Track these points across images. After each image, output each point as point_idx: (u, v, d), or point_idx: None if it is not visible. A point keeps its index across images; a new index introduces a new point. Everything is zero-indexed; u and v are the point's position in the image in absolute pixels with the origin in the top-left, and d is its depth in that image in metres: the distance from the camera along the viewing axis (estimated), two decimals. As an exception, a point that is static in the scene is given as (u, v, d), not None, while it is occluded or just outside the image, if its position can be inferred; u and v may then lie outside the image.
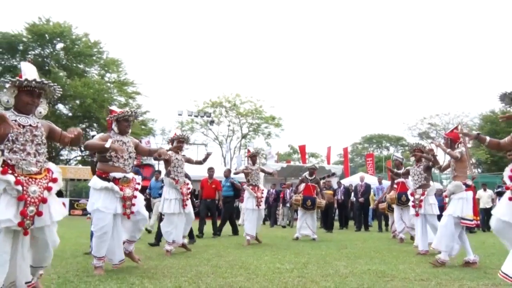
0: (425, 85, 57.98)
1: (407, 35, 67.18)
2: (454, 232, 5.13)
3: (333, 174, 19.70)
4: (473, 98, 58.43)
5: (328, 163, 25.94)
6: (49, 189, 3.16)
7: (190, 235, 7.66)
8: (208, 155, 6.93)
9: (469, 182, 5.22)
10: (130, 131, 4.69)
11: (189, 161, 6.64)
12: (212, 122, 35.21)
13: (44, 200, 3.06)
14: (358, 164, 49.60)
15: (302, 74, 67.02)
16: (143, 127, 28.81)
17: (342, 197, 13.90)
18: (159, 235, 7.18)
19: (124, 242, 4.69)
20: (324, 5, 64.98)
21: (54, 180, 3.26)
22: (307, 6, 65.73)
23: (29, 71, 3.31)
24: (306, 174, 9.71)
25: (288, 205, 14.44)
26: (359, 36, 66.88)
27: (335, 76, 69.84)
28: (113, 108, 4.80)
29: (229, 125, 37.70)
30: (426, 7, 65.81)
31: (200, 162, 6.81)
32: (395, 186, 8.84)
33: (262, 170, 8.56)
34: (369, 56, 68.40)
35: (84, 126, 27.68)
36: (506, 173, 3.51)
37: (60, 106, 26.70)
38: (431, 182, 6.79)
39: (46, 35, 25.39)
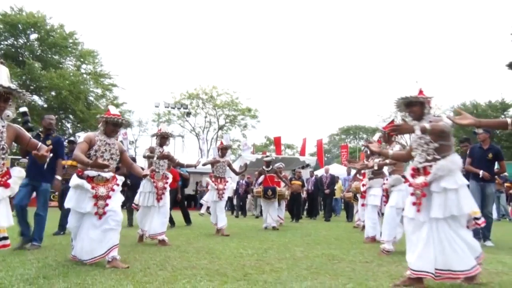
0: (400, 77, 59.10)
1: (382, 25, 68.29)
2: (398, 222, 5.64)
3: (307, 165, 20.26)
4: (444, 90, 60.01)
5: (303, 154, 26.53)
6: None
7: (170, 220, 8.13)
8: (191, 165, 7.34)
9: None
10: (116, 136, 4.70)
11: (171, 159, 6.89)
12: (188, 114, 35.54)
13: None
14: (335, 155, 50.56)
15: (279, 66, 67.57)
16: (161, 125, 28.83)
17: (312, 188, 14.41)
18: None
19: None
20: (302, -3, 65.34)
21: (6, 185, 3.30)
22: (284, -2, 66.00)
23: None
24: (264, 166, 10.11)
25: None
26: (336, 26, 67.69)
27: (313, 67, 70.63)
28: (111, 108, 4.81)
29: (206, 117, 38.14)
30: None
31: (180, 165, 7.19)
32: (360, 176, 9.43)
33: (229, 165, 8.55)
34: (347, 49, 69.33)
35: (59, 117, 27.58)
36: (407, 171, 3.93)
37: (35, 98, 26.50)
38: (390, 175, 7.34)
39: (19, 25, 25.19)
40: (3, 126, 3.36)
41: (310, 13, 68.57)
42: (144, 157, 6.79)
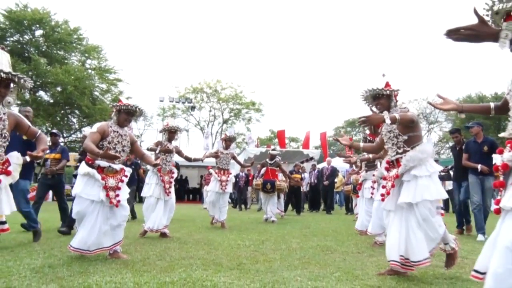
0: (405, 70, 58.92)
1: (387, 16, 67.90)
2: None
3: (311, 158, 20.41)
4: (451, 83, 59.72)
5: (307, 147, 26.66)
6: None
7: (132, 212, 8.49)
8: (198, 159, 7.30)
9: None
10: (129, 125, 4.68)
11: (179, 153, 6.93)
12: (193, 108, 35.77)
13: None
14: (341, 148, 50.44)
15: (283, 59, 67.47)
16: (166, 118, 29.10)
17: (315, 181, 14.53)
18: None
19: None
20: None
21: (7, 173, 3.32)
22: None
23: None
24: (267, 158, 10.21)
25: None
26: (341, 18, 67.43)
27: (318, 60, 70.39)
28: (122, 98, 4.78)
29: (210, 111, 38.37)
30: (406, -7, 66.50)
31: (188, 159, 7.14)
32: (356, 168, 9.56)
33: (234, 158, 8.62)
34: (351, 41, 69.10)
35: (65, 112, 27.92)
36: (382, 164, 4.04)
37: (42, 93, 26.82)
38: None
39: (25, 22, 25.37)
40: (4, 114, 3.36)
41: (314, 6, 68.33)
42: (148, 149, 6.76)
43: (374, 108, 4.00)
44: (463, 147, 7.39)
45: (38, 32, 26.86)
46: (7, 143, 3.38)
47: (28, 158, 3.31)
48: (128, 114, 4.56)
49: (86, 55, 28.61)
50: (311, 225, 8.91)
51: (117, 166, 4.43)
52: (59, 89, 25.77)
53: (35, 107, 24.93)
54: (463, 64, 64.97)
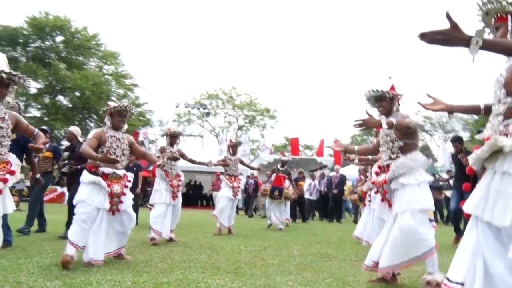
0: (421, 78, 58.47)
1: (401, 25, 67.52)
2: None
3: (325, 166, 20.47)
4: (467, 90, 58.96)
5: (321, 155, 26.67)
6: (4, 180, 3.30)
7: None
8: (203, 163, 7.37)
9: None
10: (124, 126, 4.60)
11: (183, 156, 6.94)
12: (208, 114, 36.15)
13: None
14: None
15: (299, 66, 67.63)
16: (141, 118, 29.62)
17: (325, 189, 14.57)
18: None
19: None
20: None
21: (12, 173, 3.35)
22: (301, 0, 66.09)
23: None
24: (279, 165, 10.23)
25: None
26: (357, 26, 67.35)
27: (333, 68, 70.39)
28: (110, 102, 4.73)
29: (225, 117, 38.74)
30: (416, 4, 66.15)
31: (193, 161, 7.19)
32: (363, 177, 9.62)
33: (241, 162, 8.67)
34: (368, 49, 68.90)
35: (83, 117, 28.55)
36: (373, 168, 4.01)
37: (61, 98, 27.53)
38: None
39: (46, 28, 26.24)
40: (5, 113, 3.41)
41: (329, 15, 68.45)
42: (161, 150, 6.88)
43: (370, 112, 3.87)
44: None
45: (59, 38, 27.72)
46: (10, 142, 3.46)
47: (23, 163, 3.44)
48: (120, 115, 4.52)
49: (104, 60, 29.32)
50: (317, 233, 9.02)
51: (121, 172, 4.46)
52: (77, 93, 26.44)
53: (54, 111, 25.64)
54: (443, 76, 63.98)
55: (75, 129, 7.43)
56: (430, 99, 2.83)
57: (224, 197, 8.21)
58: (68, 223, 6.29)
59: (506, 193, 1.94)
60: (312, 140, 53.75)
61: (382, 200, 3.88)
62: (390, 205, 3.72)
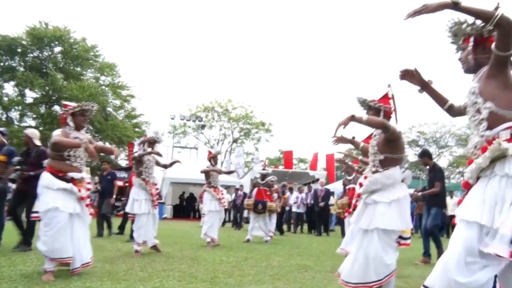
0: (415, 94, 58.92)
1: (396, 42, 68.36)
2: None
3: (317, 180, 20.63)
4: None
5: (314, 168, 26.88)
6: None
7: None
8: (174, 162, 7.61)
9: None
10: (85, 126, 4.52)
11: (157, 163, 6.96)
12: (203, 126, 36.36)
13: None
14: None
15: (294, 79, 68.09)
16: (136, 129, 29.84)
17: (312, 202, 14.66)
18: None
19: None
20: (313, 14, 66.11)
21: None
22: (296, 14, 66.95)
23: None
24: (259, 178, 10.40)
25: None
26: (350, 41, 68.06)
27: (330, 82, 70.97)
28: (67, 102, 4.63)
29: (220, 129, 39.02)
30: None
31: (165, 166, 7.33)
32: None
33: (219, 172, 8.68)
34: (362, 64, 69.63)
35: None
36: (360, 180, 4.15)
37: (57, 108, 27.72)
38: None
39: (45, 39, 26.46)
40: None
41: (324, 31, 69.23)
42: (134, 157, 6.88)
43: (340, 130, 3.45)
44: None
45: (57, 49, 27.99)
46: None
47: None
48: (83, 115, 4.45)
49: (101, 71, 29.62)
50: (302, 245, 9.18)
51: (84, 175, 4.40)
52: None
53: (49, 121, 25.81)
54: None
55: (31, 132, 6.70)
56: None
57: (213, 211, 8.25)
58: (27, 235, 6.08)
59: (508, 196, 2.01)
60: (306, 154, 54.07)
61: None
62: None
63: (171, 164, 7.51)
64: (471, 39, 2.39)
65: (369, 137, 5.87)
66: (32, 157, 6.21)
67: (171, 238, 9.13)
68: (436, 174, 7.13)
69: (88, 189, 4.46)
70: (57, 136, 4.23)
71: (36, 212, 4.20)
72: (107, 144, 30.05)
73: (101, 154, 5.53)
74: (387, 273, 3.37)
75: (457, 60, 2.56)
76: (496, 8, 2.19)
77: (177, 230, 12.55)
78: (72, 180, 4.23)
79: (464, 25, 2.35)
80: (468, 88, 2.38)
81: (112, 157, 8.37)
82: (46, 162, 4.38)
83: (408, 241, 3.64)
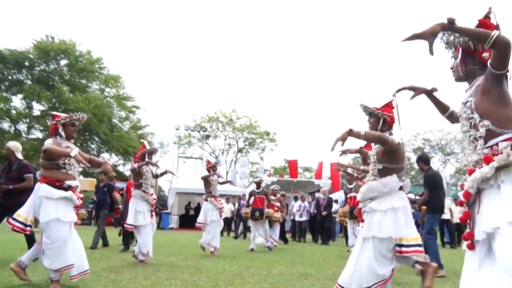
0: (420, 101, 59.02)
1: (400, 50, 68.55)
2: None
3: (320, 189, 20.70)
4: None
5: (319, 177, 26.91)
6: None
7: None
8: (165, 172, 7.62)
9: None
10: (75, 136, 4.54)
11: (152, 175, 7.01)
12: (208, 137, 36.57)
13: None
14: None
15: (299, 88, 68.39)
16: (141, 140, 30.09)
17: (314, 211, 14.68)
18: None
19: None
20: (318, 24, 66.54)
21: None
22: (301, 24, 67.44)
23: None
24: (255, 187, 10.49)
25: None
26: (355, 50, 68.30)
27: (334, 91, 71.15)
28: (56, 113, 4.64)
29: (225, 139, 39.22)
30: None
31: (156, 176, 7.34)
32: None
33: (220, 175, 8.87)
34: (367, 73, 69.77)
35: (84, 138, 29.06)
36: (361, 188, 4.08)
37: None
38: None
39: (51, 52, 26.95)
40: None
41: (329, 39, 69.58)
42: (132, 169, 6.97)
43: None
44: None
45: (63, 62, 28.50)
46: None
47: None
48: (73, 125, 4.49)
49: (106, 83, 30.03)
50: (305, 254, 9.26)
51: (77, 183, 4.44)
52: (79, 116, 26.99)
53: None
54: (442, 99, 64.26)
55: (12, 145, 6.48)
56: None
57: (214, 221, 8.34)
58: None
59: None
60: (311, 163, 54.09)
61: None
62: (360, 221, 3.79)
63: (162, 174, 7.55)
64: (460, 50, 2.45)
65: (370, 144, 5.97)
66: (13, 171, 6.07)
67: (175, 248, 9.26)
68: (426, 180, 7.10)
69: (82, 198, 4.46)
70: (49, 144, 4.23)
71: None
72: (113, 156, 30.72)
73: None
74: (376, 282, 3.38)
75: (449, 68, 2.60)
76: (489, 13, 2.27)
77: (182, 240, 12.68)
78: (70, 188, 4.28)
79: (452, 36, 2.38)
80: (462, 97, 2.43)
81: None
82: (39, 173, 4.35)
83: (414, 249, 3.58)
